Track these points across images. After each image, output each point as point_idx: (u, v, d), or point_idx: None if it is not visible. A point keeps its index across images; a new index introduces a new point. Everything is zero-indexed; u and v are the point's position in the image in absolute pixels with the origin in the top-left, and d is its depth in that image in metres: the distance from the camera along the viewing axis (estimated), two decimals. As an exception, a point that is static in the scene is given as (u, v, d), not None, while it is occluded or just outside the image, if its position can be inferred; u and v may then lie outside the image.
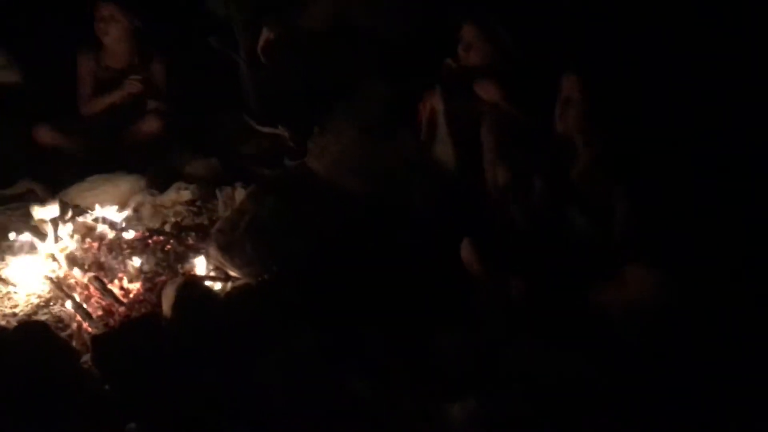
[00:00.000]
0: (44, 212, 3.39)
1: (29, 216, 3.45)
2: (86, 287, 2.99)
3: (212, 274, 3.06)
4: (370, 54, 3.79)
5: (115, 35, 4.29)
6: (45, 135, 4.12)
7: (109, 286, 2.98)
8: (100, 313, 2.87)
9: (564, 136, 2.90)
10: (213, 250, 3.07)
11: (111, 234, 3.33)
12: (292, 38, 3.85)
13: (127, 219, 3.50)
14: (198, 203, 3.69)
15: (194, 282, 2.90)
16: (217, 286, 2.99)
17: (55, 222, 3.31)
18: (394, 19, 3.73)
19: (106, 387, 2.49)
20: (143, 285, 3.02)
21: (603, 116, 2.82)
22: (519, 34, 3.36)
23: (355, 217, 3.31)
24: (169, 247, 3.28)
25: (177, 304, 2.73)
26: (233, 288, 2.97)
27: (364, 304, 2.83)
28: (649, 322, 2.50)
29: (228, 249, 3.03)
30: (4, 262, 3.21)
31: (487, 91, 3.30)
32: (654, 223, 2.68)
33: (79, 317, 2.83)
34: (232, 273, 3.03)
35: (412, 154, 3.49)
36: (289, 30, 3.82)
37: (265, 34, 3.88)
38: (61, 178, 3.79)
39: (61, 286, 2.98)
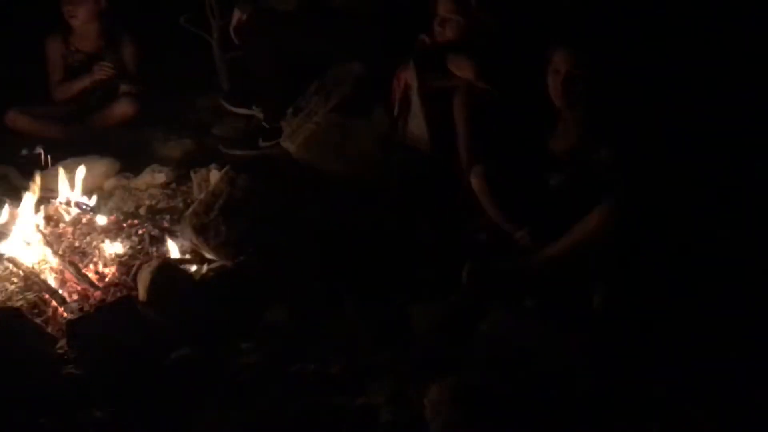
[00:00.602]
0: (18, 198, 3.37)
1: (3, 201, 3.43)
2: (61, 272, 2.97)
3: (187, 256, 3.06)
4: (342, 32, 3.78)
5: (83, 17, 4.26)
6: (17, 120, 4.11)
7: (84, 270, 2.97)
8: (75, 297, 2.86)
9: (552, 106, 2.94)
10: (187, 233, 3.07)
11: (85, 218, 3.32)
12: (264, 18, 3.83)
13: (101, 203, 3.49)
14: (172, 186, 3.70)
15: (169, 265, 2.90)
16: (193, 268, 3.00)
17: (28, 207, 3.29)
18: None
19: (82, 372, 2.48)
20: (118, 269, 3.01)
21: (590, 86, 2.83)
22: (493, 7, 3.37)
23: (331, 196, 3.32)
24: (143, 230, 3.27)
25: (152, 288, 2.74)
26: (209, 270, 2.98)
27: (340, 282, 2.85)
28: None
29: (203, 231, 3.03)
30: (-23, 249, 3.17)
31: (460, 67, 3.30)
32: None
33: (54, 302, 2.82)
34: (208, 255, 3.03)
35: (387, 131, 3.51)
36: (261, 10, 3.79)
37: (237, 15, 3.87)
38: (34, 163, 3.75)
39: (34, 272, 2.97)
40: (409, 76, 3.35)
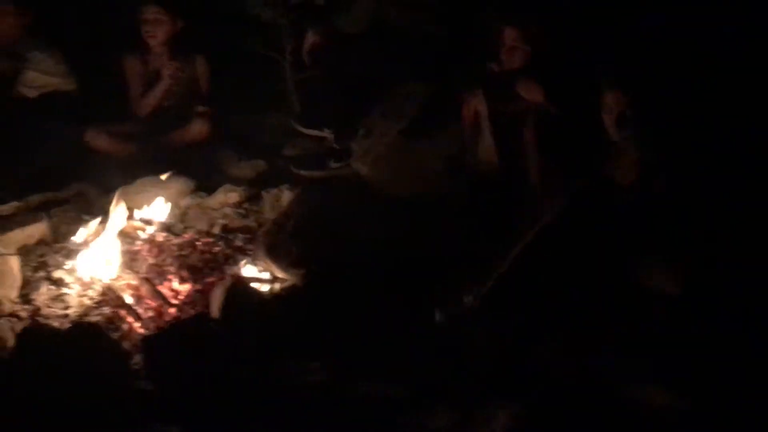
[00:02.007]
0: (96, 215, 3.46)
1: (81, 218, 3.52)
2: (137, 289, 3.03)
3: (259, 276, 3.10)
4: (411, 54, 3.81)
5: (160, 37, 4.40)
6: (96, 139, 4.23)
7: (159, 287, 3.02)
8: (150, 314, 2.91)
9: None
10: (260, 252, 3.11)
11: (161, 236, 3.38)
12: (336, 41, 3.88)
13: (176, 221, 3.55)
14: (245, 205, 3.74)
15: (242, 284, 2.93)
16: (265, 287, 3.03)
17: (106, 224, 3.38)
18: (434, 21, 3.74)
19: (155, 387, 2.52)
20: (192, 287, 3.06)
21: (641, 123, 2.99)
22: (556, 35, 3.40)
23: (400, 217, 3.33)
24: (217, 249, 3.32)
25: (225, 306, 2.77)
26: (281, 289, 3.00)
27: (405, 304, 2.85)
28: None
29: (274, 251, 3.07)
30: (56, 264, 3.25)
31: (530, 91, 3.36)
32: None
33: (130, 318, 2.88)
34: (279, 275, 3.06)
35: (455, 154, 3.52)
36: (333, 33, 3.84)
37: (311, 38, 3.93)
38: (111, 180, 3.85)
39: (112, 288, 3.04)
40: (478, 103, 3.41)
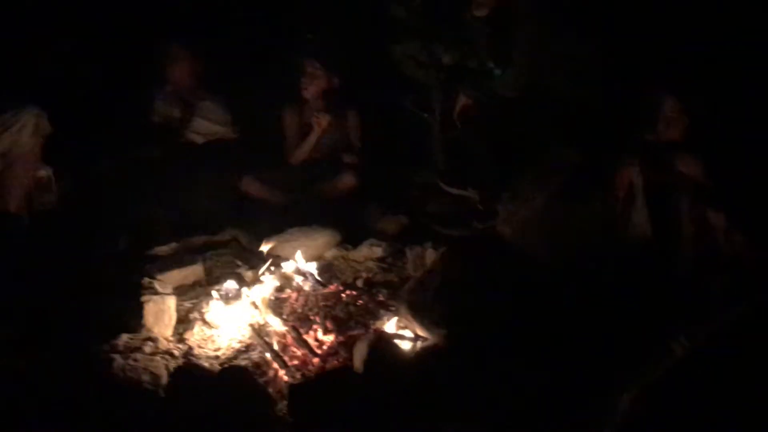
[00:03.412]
0: (248, 260, 3.61)
1: (234, 263, 3.67)
2: (283, 336, 3.12)
3: (402, 332, 3.13)
4: (563, 121, 3.80)
5: (314, 91, 4.60)
6: (250, 185, 4.44)
7: (305, 336, 3.10)
8: (295, 362, 2.98)
9: None
10: (403, 309, 3.14)
11: (307, 285, 3.48)
12: (487, 103, 3.92)
13: (322, 272, 3.64)
14: (388, 260, 3.80)
15: (385, 339, 2.96)
16: (406, 344, 3.06)
17: (257, 270, 3.52)
18: (591, 88, 3.71)
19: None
20: (336, 338, 3.12)
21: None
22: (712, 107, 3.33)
23: (546, 284, 3.29)
24: (360, 302, 3.38)
25: (369, 361, 2.81)
26: (422, 348, 3.02)
27: (552, 369, 2.80)
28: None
29: (418, 309, 3.08)
30: (209, 306, 3.40)
31: (687, 165, 3.26)
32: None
33: (276, 365, 2.97)
34: (421, 333, 3.08)
35: (605, 222, 3.46)
36: (485, 96, 3.88)
37: (462, 100, 3.98)
38: (263, 227, 4.01)
39: (260, 333, 3.14)
40: (633, 174, 3.33)
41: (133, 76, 4.71)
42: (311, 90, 4.63)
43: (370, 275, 3.66)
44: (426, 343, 3.05)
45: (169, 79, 4.71)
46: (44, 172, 3.99)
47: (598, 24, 3.69)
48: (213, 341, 3.21)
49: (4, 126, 3.66)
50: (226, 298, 3.40)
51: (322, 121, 4.59)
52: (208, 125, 4.66)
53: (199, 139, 4.66)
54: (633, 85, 3.66)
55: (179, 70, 4.67)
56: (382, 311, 3.31)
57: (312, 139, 4.63)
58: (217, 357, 3.10)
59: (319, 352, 3.03)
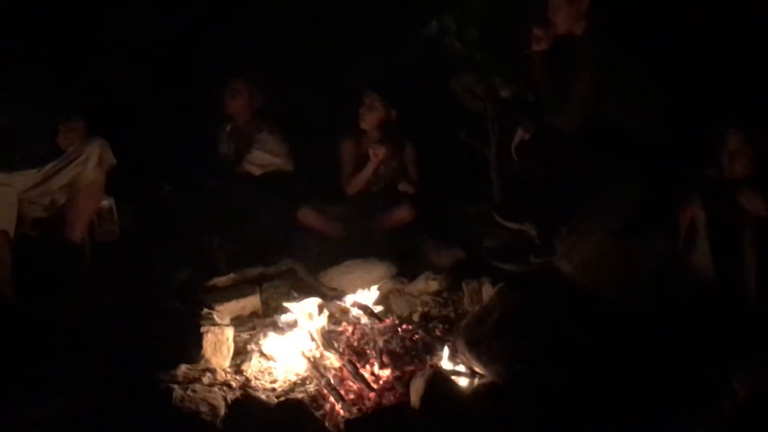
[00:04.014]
0: (304, 292, 3.62)
1: (290, 294, 3.69)
2: (340, 369, 3.12)
3: (459, 368, 3.10)
4: (624, 155, 3.75)
5: (370, 122, 4.63)
6: (307, 216, 4.47)
7: (361, 370, 3.09)
8: (351, 396, 2.97)
9: None
10: (460, 345, 3.11)
11: (363, 318, 3.47)
12: (546, 137, 3.89)
13: (378, 305, 3.63)
14: (444, 294, 3.78)
15: (442, 375, 2.94)
16: (464, 381, 3.02)
17: (313, 302, 3.53)
18: (654, 122, 3.66)
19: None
20: (392, 372, 3.10)
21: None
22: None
23: (607, 321, 3.24)
24: (417, 336, 3.36)
25: (426, 397, 2.79)
26: (479, 385, 2.99)
27: (614, 409, 2.76)
28: None
29: (475, 345, 3.05)
30: (265, 338, 3.41)
31: (752, 202, 3.19)
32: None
33: (332, 399, 2.96)
34: (478, 370, 3.05)
35: (667, 260, 3.40)
36: (545, 131, 3.86)
37: (520, 133, 3.95)
38: (319, 259, 4.03)
39: (317, 366, 3.14)
40: (696, 210, 3.27)
41: (196, 110, 4.82)
42: (369, 121, 4.68)
43: (426, 309, 3.65)
44: (484, 381, 3.02)
45: (228, 112, 4.80)
46: (106, 203, 4.07)
47: (662, 58, 3.65)
48: (270, 373, 3.22)
49: (70, 158, 3.75)
50: (283, 329, 3.41)
51: (378, 153, 4.62)
52: (264, 157, 4.73)
53: (257, 171, 4.72)
54: (697, 119, 3.61)
55: (238, 104, 4.77)
56: (438, 346, 3.28)
57: (368, 170, 4.67)
58: (273, 389, 3.10)
59: (375, 386, 3.01)
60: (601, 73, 3.61)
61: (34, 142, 3.77)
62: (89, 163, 3.75)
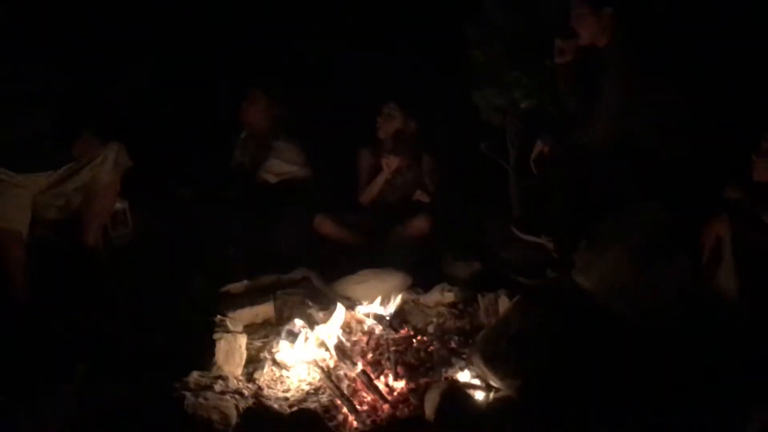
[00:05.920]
0: (319, 300, 3.59)
1: (305, 302, 3.66)
2: (354, 380, 3.08)
3: (474, 382, 3.06)
4: (647, 171, 3.70)
5: (389, 132, 4.62)
6: (323, 224, 4.46)
7: (375, 381, 3.05)
8: (365, 407, 2.93)
9: None
10: (476, 359, 3.06)
11: (378, 329, 3.44)
12: (566, 152, 3.85)
13: (392, 316, 3.59)
14: (459, 306, 3.73)
15: (458, 388, 2.90)
16: (479, 395, 2.98)
17: (328, 311, 3.49)
18: (679, 139, 3.62)
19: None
20: (407, 384, 3.06)
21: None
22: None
23: (621, 337, 3.19)
24: (432, 348, 3.32)
25: (441, 410, 2.75)
26: (495, 399, 2.94)
27: (622, 427, 2.70)
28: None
29: (492, 359, 3.01)
30: (278, 346, 3.38)
31: None
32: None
33: (345, 409, 2.92)
34: (494, 383, 3.01)
35: (689, 280, 3.34)
36: (564, 144, 3.82)
37: (539, 146, 3.92)
38: (334, 268, 3.99)
39: (330, 376, 3.10)
40: (721, 228, 3.21)
41: (214, 120, 4.82)
42: (385, 130, 4.67)
43: (442, 321, 3.60)
44: (499, 395, 2.97)
45: (245, 121, 4.79)
46: (120, 206, 4.06)
47: (688, 73, 3.60)
48: (282, 382, 3.19)
49: (86, 159, 3.74)
50: (296, 338, 3.37)
51: (390, 163, 4.60)
52: (280, 165, 4.71)
53: (272, 179, 4.71)
54: (724, 136, 3.56)
55: (255, 112, 4.76)
56: (454, 359, 3.25)
57: (380, 179, 4.64)
58: (286, 398, 3.07)
59: (389, 398, 2.97)
60: (626, 88, 3.56)
61: (54, 151, 3.75)
62: (105, 164, 3.75)
